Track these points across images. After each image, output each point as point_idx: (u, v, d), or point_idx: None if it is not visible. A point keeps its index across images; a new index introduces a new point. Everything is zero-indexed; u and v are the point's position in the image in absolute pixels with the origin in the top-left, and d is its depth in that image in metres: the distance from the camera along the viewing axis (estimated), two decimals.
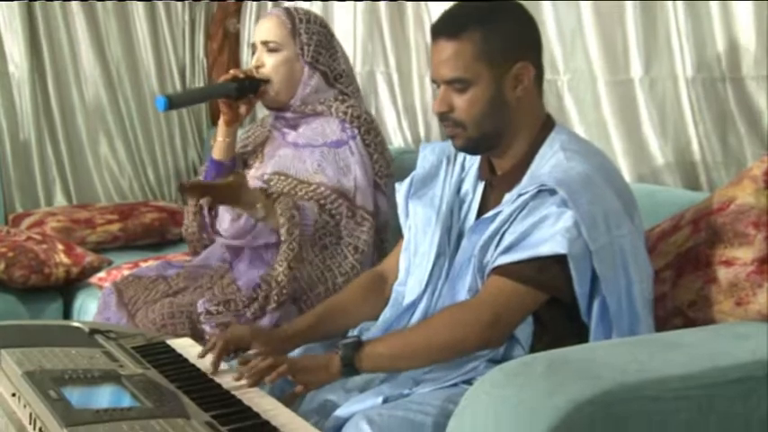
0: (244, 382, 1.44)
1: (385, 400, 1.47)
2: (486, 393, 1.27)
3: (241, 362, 1.56)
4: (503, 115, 1.54)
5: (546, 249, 1.43)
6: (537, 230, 1.45)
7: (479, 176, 1.65)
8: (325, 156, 2.16)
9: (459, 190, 1.67)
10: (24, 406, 1.26)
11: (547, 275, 1.44)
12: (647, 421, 1.25)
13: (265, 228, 2.08)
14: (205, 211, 2.24)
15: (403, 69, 2.85)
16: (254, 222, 2.10)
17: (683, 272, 1.63)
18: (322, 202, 2.09)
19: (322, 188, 2.12)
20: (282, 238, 2.00)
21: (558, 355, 1.34)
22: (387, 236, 2.18)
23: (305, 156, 2.19)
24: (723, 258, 1.56)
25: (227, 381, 1.45)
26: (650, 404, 1.24)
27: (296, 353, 1.67)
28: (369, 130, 2.18)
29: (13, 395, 1.31)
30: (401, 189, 1.75)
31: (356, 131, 2.16)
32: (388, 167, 2.20)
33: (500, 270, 1.47)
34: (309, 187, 2.13)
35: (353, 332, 1.72)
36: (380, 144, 2.20)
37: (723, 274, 1.56)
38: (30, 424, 1.22)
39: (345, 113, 2.18)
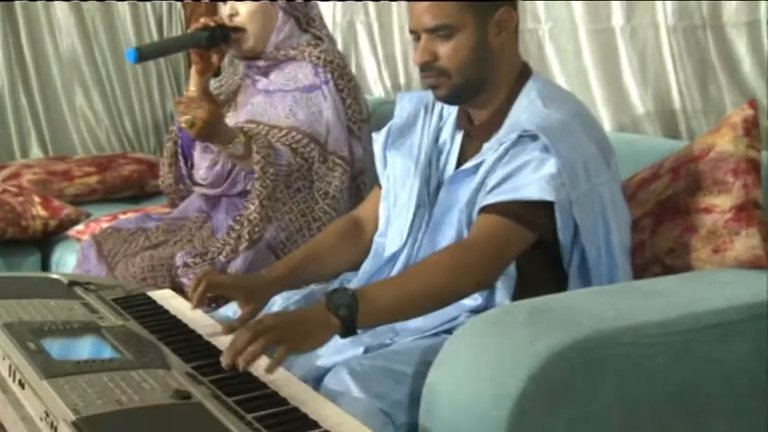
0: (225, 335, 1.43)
1: (366, 350, 1.47)
2: (466, 342, 1.28)
3: (226, 329, 1.51)
4: (487, 62, 1.53)
5: (533, 193, 1.42)
6: (520, 174, 1.45)
7: (457, 126, 1.64)
8: (297, 100, 2.14)
9: (437, 139, 1.66)
10: (3, 358, 1.25)
11: (534, 215, 1.44)
12: (626, 367, 1.26)
13: (240, 174, 2.07)
14: (181, 162, 2.23)
15: (383, 19, 2.82)
16: (230, 167, 2.09)
17: (662, 220, 1.63)
18: (294, 146, 2.07)
19: (294, 132, 2.10)
20: (256, 176, 1.98)
21: (538, 304, 1.35)
22: (364, 182, 2.18)
23: (276, 101, 2.17)
24: (702, 206, 1.57)
25: (207, 330, 1.45)
26: (628, 350, 1.26)
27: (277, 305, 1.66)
28: (342, 75, 2.16)
29: None
30: (378, 139, 1.75)
31: (329, 76, 2.14)
32: (361, 113, 2.18)
33: (489, 209, 1.46)
34: (281, 132, 2.11)
35: (334, 284, 1.71)
36: (354, 89, 2.18)
37: (701, 221, 1.57)
38: (9, 376, 1.22)
39: (318, 58, 2.16)
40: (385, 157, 1.72)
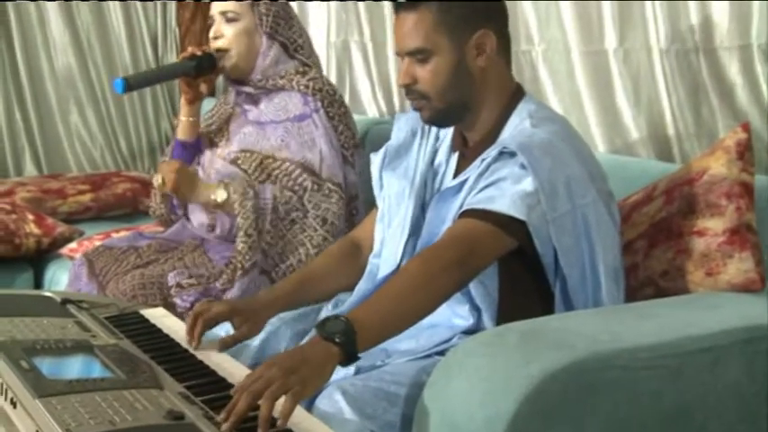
0: (218, 353, 1.43)
1: (357, 371, 1.46)
2: (459, 363, 1.28)
3: (221, 345, 1.49)
4: (467, 85, 1.54)
5: (503, 207, 1.41)
6: (497, 186, 1.44)
7: (452, 147, 1.65)
8: (288, 131, 2.16)
9: (432, 161, 1.67)
10: None
11: (509, 225, 1.42)
12: (619, 390, 1.26)
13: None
14: (176, 204, 2.26)
15: (377, 39, 2.83)
16: (228, 228, 2.12)
17: (656, 242, 1.64)
18: (285, 179, 2.10)
19: (287, 164, 2.12)
20: (236, 212, 2.02)
21: (531, 326, 1.35)
22: (356, 207, 2.19)
23: (269, 133, 2.19)
24: (695, 229, 1.58)
25: (201, 352, 1.44)
26: (622, 373, 1.26)
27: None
28: (332, 102, 2.17)
29: None
30: (375, 160, 1.75)
31: (319, 104, 2.15)
32: (353, 138, 2.20)
33: (466, 213, 1.45)
34: (275, 163, 2.13)
35: (328, 306, 1.71)
36: (345, 115, 2.19)
37: (695, 244, 1.57)
38: (1, 395, 1.21)
39: (307, 87, 2.17)
40: (381, 179, 1.72)
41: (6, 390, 1.19)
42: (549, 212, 1.42)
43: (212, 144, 2.30)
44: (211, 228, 2.18)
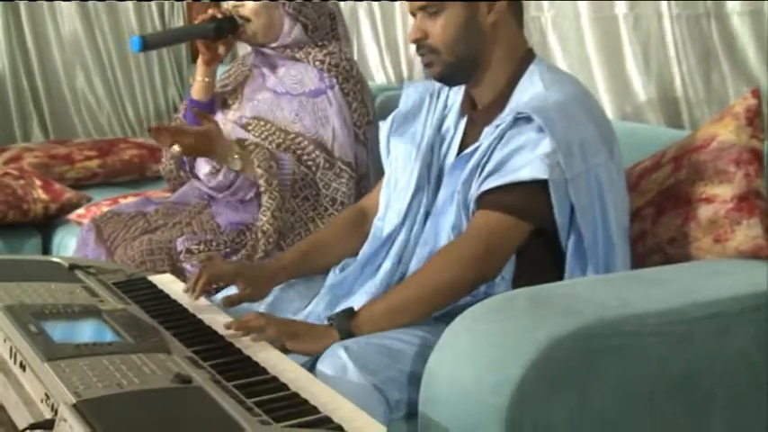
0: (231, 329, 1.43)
1: None
2: (467, 328, 1.28)
3: (226, 302, 1.56)
4: (477, 41, 1.53)
5: (526, 174, 1.43)
6: (516, 157, 1.45)
7: (461, 112, 1.64)
8: (303, 105, 2.14)
9: (440, 127, 1.66)
10: (4, 340, 1.25)
11: (529, 203, 1.44)
12: (626, 356, 1.26)
13: (245, 183, 2.08)
14: (185, 159, 2.23)
15: (385, 5, 2.81)
16: (232, 177, 2.10)
17: (664, 209, 1.63)
18: (299, 152, 2.08)
19: (299, 138, 2.11)
20: (262, 189, 2.00)
21: (540, 291, 1.35)
22: (367, 186, 2.18)
23: (283, 103, 2.17)
24: (703, 196, 1.57)
25: (209, 317, 1.45)
26: (629, 339, 1.26)
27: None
28: (347, 78, 2.15)
29: None
30: (383, 127, 1.75)
31: (334, 81, 2.14)
32: (367, 115, 2.18)
33: (483, 202, 1.47)
34: (288, 136, 2.12)
35: (336, 269, 1.72)
36: (360, 91, 2.17)
37: (703, 211, 1.56)
38: (10, 358, 1.22)
39: (323, 62, 2.15)
40: (389, 145, 1.72)
41: (15, 353, 1.20)
42: (568, 171, 1.43)
43: (225, 105, 2.29)
44: (216, 171, 2.15)
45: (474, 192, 1.49)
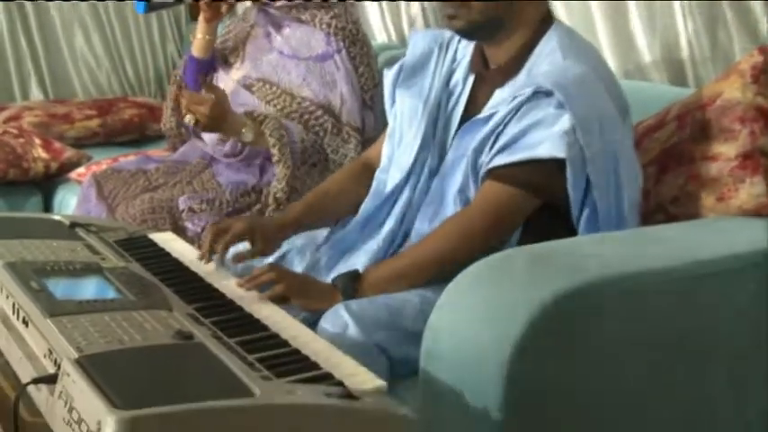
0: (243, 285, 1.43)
1: None
2: (467, 286, 1.28)
3: (236, 259, 1.56)
4: (510, 3, 1.49)
5: (543, 152, 1.41)
6: (533, 132, 1.43)
7: (470, 68, 1.61)
8: (310, 69, 2.13)
9: (448, 81, 1.63)
10: (7, 296, 1.25)
11: (542, 179, 1.43)
12: (627, 313, 1.26)
13: (252, 151, 2.07)
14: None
15: None
16: (240, 148, 2.09)
17: (667, 168, 1.62)
18: (306, 117, 2.07)
19: (307, 103, 2.09)
20: (275, 159, 1.99)
21: (540, 249, 1.35)
22: None
23: (290, 66, 2.16)
24: (707, 154, 1.56)
25: (210, 275, 1.45)
26: (630, 297, 1.26)
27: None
28: (354, 42, 2.13)
29: None
30: (389, 75, 1.71)
31: (341, 44, 2.12)
32: (374, 79, 2.16)
33: (495, 175, 1.45)
34: (294, 100, 2.10)
35: (342, 228, 1.71)
36: (366, 55, 2.15)
37: (706, 169, 1.56)
38: (13, 314, 1.22)
39: (329, 25, 2.13)
40: (394, 94, 1.70)
41: (18, 309, 1.20)
42: (586, 149, 1.41)
43: (226, 63, 2.27)
44: (222, 142, 2.15)
45: (485, 161, 1.48)
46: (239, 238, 1.56)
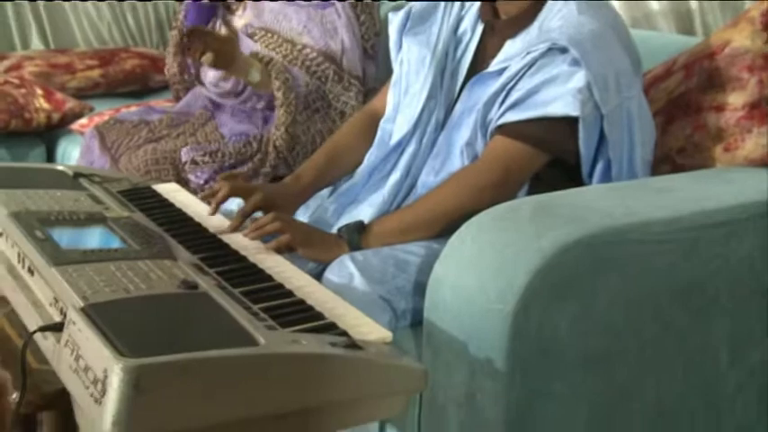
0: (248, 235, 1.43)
1: None
2: (472, 237, 1.28)
3: (241, 212, 1.54)
4: None
5: (556, 109, 1.40)
6: (546, 89, 1.42)
7: (480, 17, 1.59)
8: (311, 17, 2.10)
9: (456, 29, 1.61)
10: (12, 245, 1.25)
11: (553, 136, 1.42)
12: (632, 264, 1.26)
13: (253, 92, 2.05)
14: (189, 63, 2.20)
15: None
16: (241, 87, 2.07)
17: (673, 118, 1.61)
18: (308, 64, 2.05)
19: (308, 50, 2.07)
20: (278, 102, 1.98)
21: (545, 200, 1.35)
22: None
23: (291, 13, 2.13)
24: (714, 104, 1.55)
25: (214, 225, 1.45)
26: (635, 247, 1.26)
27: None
28: None
29: (0, 235, 1.31)
30: (395, 21, 1.68)
31: None
32: (375, 27, 2.14)
33: (505, 130, 1.44)
34: (295, 47, 2.08)
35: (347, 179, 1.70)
36: (368, 4, 2.13)
37: (713, 119, 1.54)
38: (19, 263, 1.23)
39: None
40: (400, 41, 1.67)
41: (24, 258, 1.20)
42: (602, 106, 1.40)
43: (228, 9, 2.25)
44: (224, 79, 2.13)
45: (495, 116, 1.46)
46: (241, 196, 1.55)
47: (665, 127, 1.63)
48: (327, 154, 1.71)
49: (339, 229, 1.48)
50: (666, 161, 1.61)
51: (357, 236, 1.45)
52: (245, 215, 1.48)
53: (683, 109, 1.60)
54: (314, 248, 1.44)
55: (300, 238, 1.43)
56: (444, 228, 1.45)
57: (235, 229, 1.43)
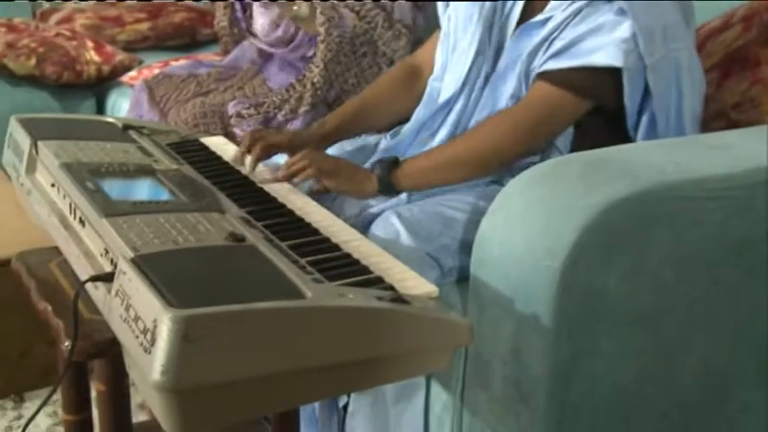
0: (278, 176, 1.44)
1: (410, 196, 1.48)
2: (519, 193, 1.26)
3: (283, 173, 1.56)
4: None
5: (600, 59, 1.38)
6: (590, 38, 1.39)
7: None
8: None
9: None
10: (64, 196, 1.27)
11: (596, 85, 1.40)
12: (684, 221, 1.24)
13: (304, 39, 2.04)
14: (237, 6, 2.19)
15: None
16: (292, 31, 2.06)
17: (730, 72, 1.57)
18: (358, 8, 2.03)
19: None
20: (320, 38, 1.96)
21: (595, 155, 1.32)
22: None
23: None
24: None
25: (260, 177, 1.45)
26: (687, 204, 1.23)
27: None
28: None
29: (53, 185, 1.33)
30: None
31: None
32: None
33: (546, 76, 1.43)
34: None
35: (386, 136, 1.70)
36: None
37: None
38: (70, 213, 1.24)
39: None
40: None
41: (75, 209, 1.22)
42: (647, 57, 1.38)
43: None
44: (275, 26, 2.12)
45: (538, 64, 1.44)
46: (278, 150, 1.55)
47: (720, 82, 1.58)
48: (358, 104, 1.70)
49: (372, 164, 1.48)
50: (721, 117, 1.58)
51: (388, 172, 1.45)
52: (261, 154, 1.50)
53: (740, 63, 1.56)
54: (341, 180, 1.45)
55: (326, 168, 1.43)
56: (477, 171, 1.45)
57: (239, 158, 1.48)
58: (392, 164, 1.46)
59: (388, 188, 1.47)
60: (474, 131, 1.48)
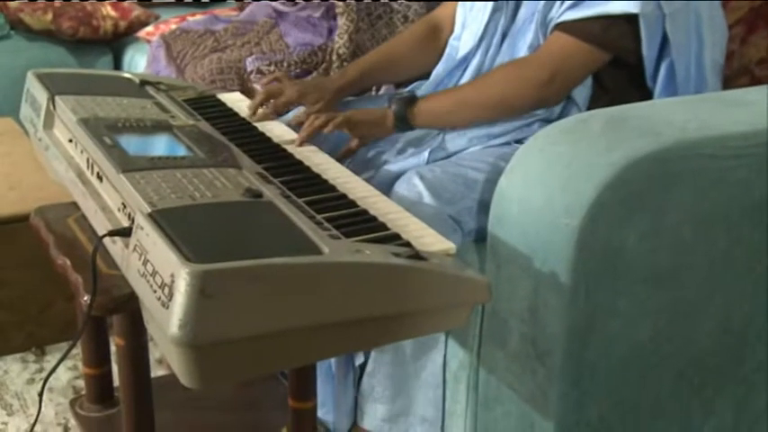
0: (297, 137, 1.44)
1: (430, 154, 1.47)
2: (539, 150, 1.25)
3: (296, 121, 1.56)
4: None
5: (616, 7, 1.36)
6: None
7: None
8: None
9: None
10: (81, 152, 1.27)
11: (613, 34, 1.38)
12: (704, 179, 1.23)
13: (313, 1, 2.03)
14: None
15: None
16: None
17: (755, 28, 1.54)
18: None
19: None
20: (339, 11, 1.95)
21: (616, 112, 1.31)
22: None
23: None
24: None
25: (278, 135, 1.45)
26: (708, 162, 1.22)
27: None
28: None
29: (70, 141, 1.33)
30: None
31: None
32: None
33: (563, 26, 1.41)
34: None
35: (405, 90, 1.69)
36: None
37: None
38: (88, 169, 1.24)
39: None
40: None
41: (93, 164, 1.22)
42: (666, 6, 1.36)
43: None
44: None
45: (555, 14, 1.42)
46: (291, 105, 1.55)
47: (745, 37, 1.56)
48: (380, 55, 1.70)
49: (390, 99, 1.48)
50: (745, 73, 1.55)
51: (404, 108, 1.46)
52: (277, 111, 1.53)
53: (765, 18, 1.53)
54: (359, 123, 1.46)
55: (343, 118, 1.44)
56: (489, 116, 1.46)
57: (252, 112, 1.49)
58: (409, 100, 1.47)
59: (404, 124, 1.48)
60: (486, 76, 1.48)
